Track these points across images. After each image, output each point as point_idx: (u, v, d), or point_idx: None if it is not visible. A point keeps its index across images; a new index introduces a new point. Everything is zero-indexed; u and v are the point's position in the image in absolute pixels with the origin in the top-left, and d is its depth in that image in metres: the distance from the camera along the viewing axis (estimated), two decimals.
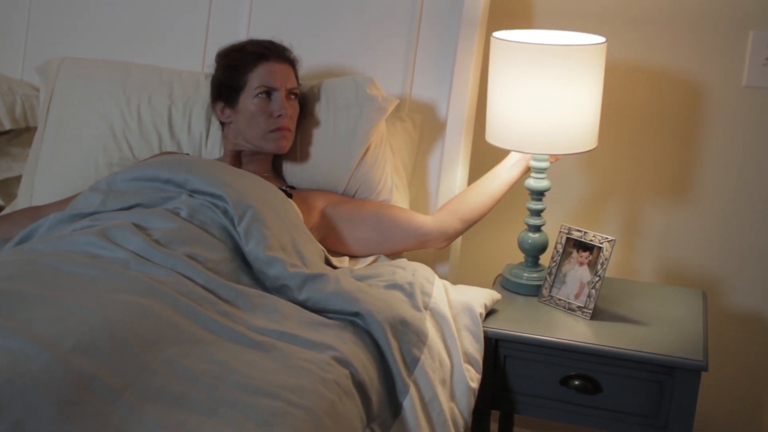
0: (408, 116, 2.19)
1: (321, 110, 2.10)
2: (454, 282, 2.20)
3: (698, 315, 2.00)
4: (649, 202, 2.28)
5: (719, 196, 2.24)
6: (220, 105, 2.05)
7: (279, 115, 1.98)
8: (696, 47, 2.19)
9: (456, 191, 2.14)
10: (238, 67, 2.01)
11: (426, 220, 2.04)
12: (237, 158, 2.06)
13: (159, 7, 2.42)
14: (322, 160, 2.09)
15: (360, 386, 1.52)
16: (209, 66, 2.13)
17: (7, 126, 2.32)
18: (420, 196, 2.19)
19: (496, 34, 1.97)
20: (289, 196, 1.99)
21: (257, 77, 1.99)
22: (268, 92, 1.99)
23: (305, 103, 2.11)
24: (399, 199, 2.12)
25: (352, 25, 2.24)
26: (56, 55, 2.47)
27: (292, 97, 2.02)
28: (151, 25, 2.42)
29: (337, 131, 2.08)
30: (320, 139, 2.09)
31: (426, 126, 2.20)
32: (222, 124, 2.09)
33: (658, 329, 1.91)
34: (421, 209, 2.17)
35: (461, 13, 2.14)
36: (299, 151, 2.11)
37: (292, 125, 2.02)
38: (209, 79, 2.12)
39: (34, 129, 2.34)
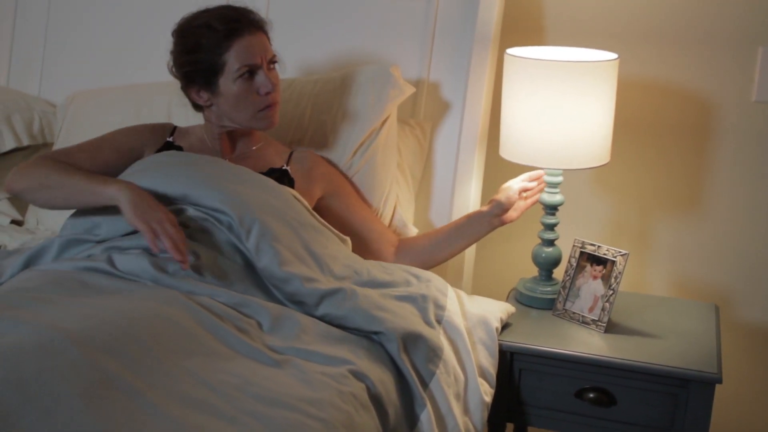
0: (418, 123, 2.21)
1: (339, 83, 2.11)
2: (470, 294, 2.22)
3: (711, 328, 2.01)
4: (662, 216, 2.30)
5: (731, 210, 2.25)
6: (194, 89, 1.91)
7: (267, 93, 1.87)
8: (706, 63, 2.21)
9: (470, 206, 2.16)
10: (209, 49, 1.85)
11: (390, 250, 2.04)
12: (229, 137, 1.97)
13: (170, 18, 2.44)
14: (333, 128, 2.08)
15: (376, 399, 1.53)
16: None
17: (25, 142, 2.35)
18: (434, 210, 2.21)
19: (509, 50, 1.99)
20: (291, 181, 1.95)
21: (235, 57, 1.84)
22: (251, 71, 1.86)
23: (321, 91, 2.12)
24: (401, 199, 2.14)
25: (365, 41, 2.27)
26: (72, 71, 2.51)
27: (272, 66, 1.90)
28: (164, 38, 2.44)
29: (351, 100, 2.08)
30: (333, 105, 2.08)
31: (439, 139, 2.22)
32: (196, 104, 1.96)
33: (671, 342, 1.92)
34: (438, 221, 2.19)
35: (474, 29, 2.16)
36: (309, 115, 2.11)
37: (279, 96, 1.92)
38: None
39: (51, 145, 2.37)
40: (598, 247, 1.99)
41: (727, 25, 2.17)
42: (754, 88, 2.20)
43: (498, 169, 2.22)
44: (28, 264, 1.75)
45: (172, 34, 1.92)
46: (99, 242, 1.76)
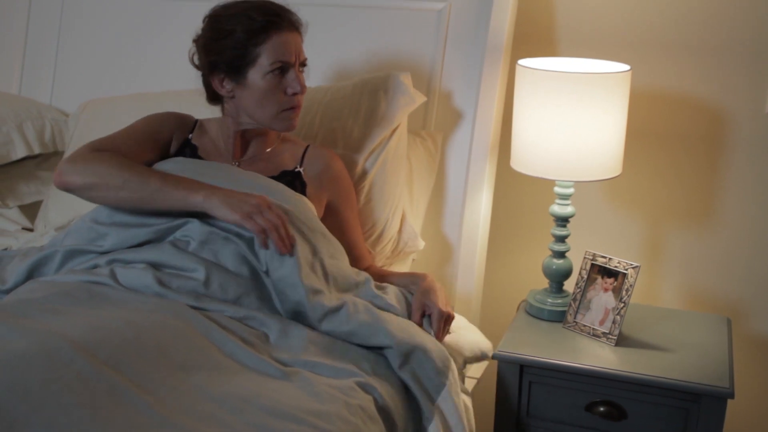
0: (429, 134, 2.21)
1: (349, 90, 2.10)
2: (479, 307, 2.21)
3: (723, 341, 1.99)
4: (674, 228, 2.29)
5: (743, 222, 2.24)
6: (219, 77, 1.85)
7: (294, 93, 1.83)
8: (719, 75, 2.19)
9: (481, 217, 2.15)
10: (243, 38, 1.79)
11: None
12: (242, 137, 1.92)
13: (182, 30, 2.45)
14: (342, 135, 2.06)
15: (384, 411, 1.52)
16: None
17: (37, 150, 2.35)
18: (445, 222, 2.20)
19: (521, 61, 1.99)
20: (303, 184, 1.91)
21: (270, 51, 1.79)
22: (283, 68, 1.82)
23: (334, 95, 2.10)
24: (411, 210, 2.13)
25: (376, 50, 2.27)
26: (83, 80, 2.52)
27: (302, 69, 1.87)
28: (175, 48, 2.45)
29: (362, 108, 2.07)
30: (344, 113, 2.07)
31: (450, 149, 2.22)
32: (216, 96, 1.91)
33: (683, 355, 1.91)
34: (449, 233, 2.18)
35: (486, 39, 2.16)
36: (318, 122, 2.10)
37: (302, 101, 1.88)
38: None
39: (62, 154, 2.37)
40: (609, 259, 1.98)
41: (739, 36, 2.16)
42: (767, 99, 2.18)
43: (509, 180, 2.22)
44: (31, 273, 1.74)
45: (204, 20, 1.87)
46: (103, 253, 1.74)
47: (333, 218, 1.94)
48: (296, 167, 1.92)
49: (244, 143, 1.93)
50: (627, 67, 1.96)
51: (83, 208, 2.11)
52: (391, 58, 2.27)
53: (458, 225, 2.17)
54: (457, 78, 2.23)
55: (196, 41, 1.89)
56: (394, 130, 2.08)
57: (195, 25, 2.41)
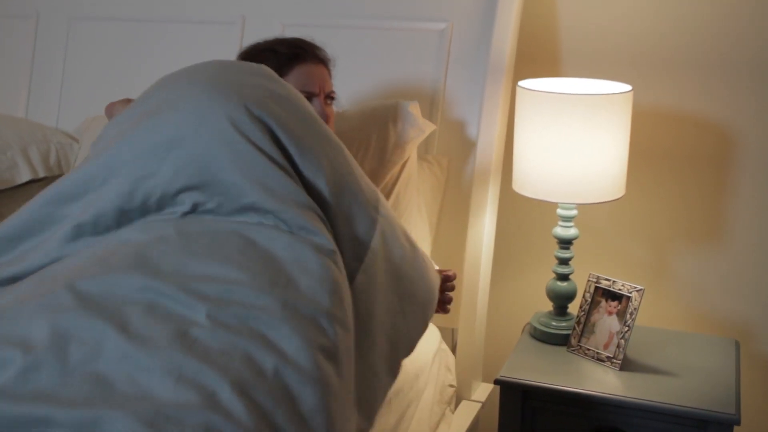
0: (435, 159, 2.19)
1: (357, 121, 2.08)
2: (483, 329, 2.19)
3: (730, 365, 1.96)
4: (680, 249, 2.26)
5: (751, 242, 2.21)
6: None
7: None
8: (726, 92, 2.17)
9: (484, 239, 2.13)
10: (275, 68, 1.80)
11: None
12: None
13: (187, 52, 2.46)
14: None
15: None
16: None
17: (41, 174, 2.35)
18: (449, 242, 2.19)
19: (521, 83, 1.97)
20: None
21: (294, 81, 1.84)
22: (307, 98, 1.83)
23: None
24: (419, 236, 2.10)
25: (378, 73, 2.26)
26: (90, 103, 2.52)
27: (329, 101, 1.91)
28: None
29: (371, 141, 2.03)
30: (353, 145, 2.00)
31: (453, 171, 2.20)
32: None
33: (689, 380, 1.88)
34: (452, 255, 2.16)
35: (488, 61, 2.14)
36: None
37: None
38: None
39: None
40: (614, 282, 1.95)
41: (745, 53, 2.14)
42: None
43: (513, 202, 2.20)
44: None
45: (237, 59, 1.93)
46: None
47: None
48: None
49: None
50: (629, 87, 1.94)
51: None
52: (393, 79, 2.26)
53: (461, 248, 2.15)
54: (459, 99, 2.21)
55: None
56: (404, 164, 2.06)
57: (198, 46, 2.44)
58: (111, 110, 1.90)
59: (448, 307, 1.77)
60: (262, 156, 1.44)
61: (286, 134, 1.49)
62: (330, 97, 1.91)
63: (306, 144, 1.50)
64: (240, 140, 1.45)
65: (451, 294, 1.78)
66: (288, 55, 1.86)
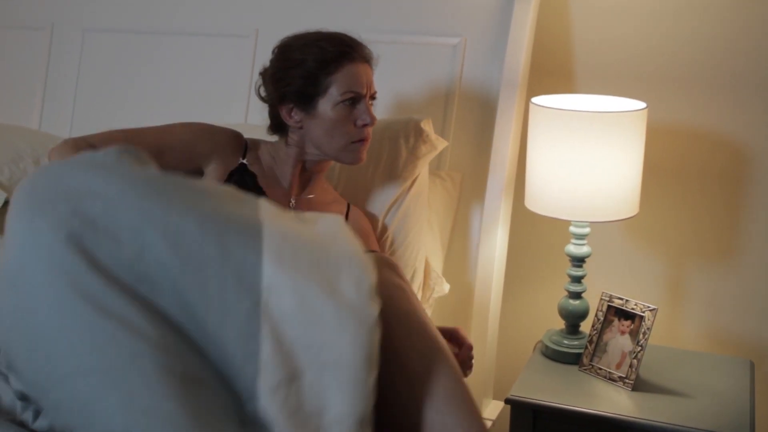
0: (448, 175, 2.18)
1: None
2: (495, 347, 2.17)
3: (745, 386, 1.94)
4: (694, 267, 2.23)
5: (766, 260, 2.18)
6: (287, 107, 1.81)
7: (364, 125, 1.80)
8: (740, 109, 2.15)
9: (496, 256, 2.11)
10: (315, 67, 1.77)
11: None
12: (302, 167, 1.88)
13: (202, 66, 2.46)
14: (363, 184, 2.02)
15: None
16: (255, 119, 2.09)
17: None
18: (461, 258, 2.17)
19: (534, 99, 1.96)
20: None
21: (342, 81, 1.77)
22: (354, 99, 1.79)
23: None
24: (431, 253, 2.09)
25: (390, 87, 2.25)
26: (103, 114, 2.53)
27: (371, 102, 1.84)
28: (194, 84, 2.46)
29: (382, 157, 2.02)
30: (365, 161, 1.97)
31: (465, 187, 2.19)
32: (280, 127, 1.87)
33: (702, 401, 1.86)
34: (464, 272, 2.15)
35: (501, 76, 2.13)
36: (339, 166, 2.05)
37: (371, 134, 1.84)
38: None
39: None
40: (626, 301, 1.93)
41: (759, 70, 2.11)
42: None
43: (526, 219, 2.18)
44: None
45: (273, 51, 1.84)
46: None
47: None
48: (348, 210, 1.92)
49: (304, 179, 1.90)
50: (643, 104, 1.92)
51: None
52: (406, 93, 2.25)
53: (474, 264, 2.14)
54: (472, 114, 2.20)
55: (263, 73, 1.86)
56: (414, 179, 2.04)
57: (212, 59, 2.44)
58: (51, 155, 1.80)
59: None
60: None
61: None
62: (373, 97, 1.84)
63: None
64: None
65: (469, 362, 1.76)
66: (335, 53, 1.77)
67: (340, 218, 1.40)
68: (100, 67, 2.58)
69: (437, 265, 2.11)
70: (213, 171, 1.85)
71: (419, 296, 2.03)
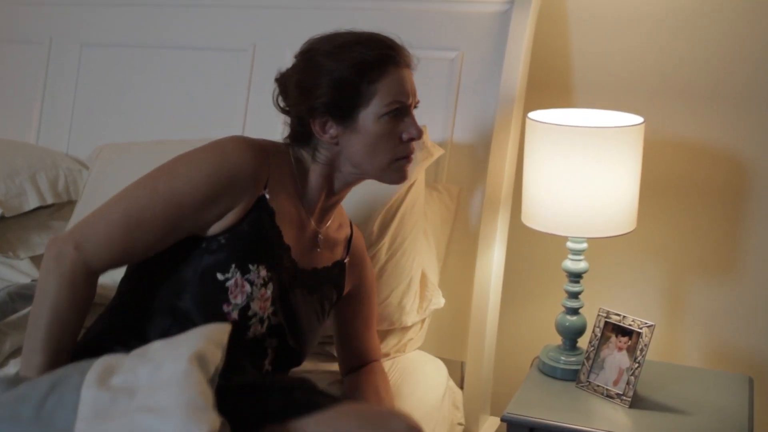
0: (445, 188, 2.17)
1: None
2: (492, 363, 2.16)
3: (744, 402, 1.92)
4: (693, 282, 2.22)
5: (765, 276, 2.17)
6: (320, 120, 1.55)
7: (410, 139, 1.57)
8: (738, 123, 2.14)
9: (493, 270, 2.10)
10: (356, 75, 1.52)
11: (347, 364, 1.85)
12: (330, 184, 1.63)
13: (198, 78, 2.46)
14: (356, 191, 1.88)
15: None
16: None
17: (49, 200, 2.36)
18: (458, 273, 2.16)
19: (531, 114, 1.95)
20: (343, 278, 1.75)
21: (386, 90, 1.53)
22: (399, 110, 1.56)
23: None
24: (427, 265, 2.07)
25: None
26: (101, 129, 2.53)
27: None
28: (192, 99, 2.46)
29: None
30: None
31: (462, 201, 2.18)
32: (304, 139, 1.60)
33: (700, 418, 1.84)
34: (461, 286, 2.14)
35: (498, 91, 2.12)
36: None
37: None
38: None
39: (74, 204, 2.37)
40: (624, 317, 1.92)
41: (758, 83, 2.11)
42: None
43: (523, 234, 2.16)
44: None
45: (297, 56, 1.60)
46: None
47: (349, 306, 1.82)
48: (344, 257, 1.75)
49: (325, 206, 1.66)
50: (640, 119, 1.91)
51: None
52: None
53: (470, 281, 2.12)
54: (469, 128, 2.19)
55: (282, 80, 1.62)
56: (410, 186, 2.01)
57: (209, 73, 2.44)
58: (46, 260, 1.50)
59: None
60: None
61: None
62: (415, 107, 1.63)
63: None
64: None
65: None
66: (377, 57, 1.53)
67: (191, 364, 1.19)
68: (97, 81, 2.58)
69: (433, 277, 2.10)
70: (227, 220, 1.53)
71: (416, 307, 2.01)
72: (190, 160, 1.51)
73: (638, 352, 1.87)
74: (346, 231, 1.78)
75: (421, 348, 2.09)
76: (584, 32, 2.21)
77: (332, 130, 1.56)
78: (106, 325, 1.55)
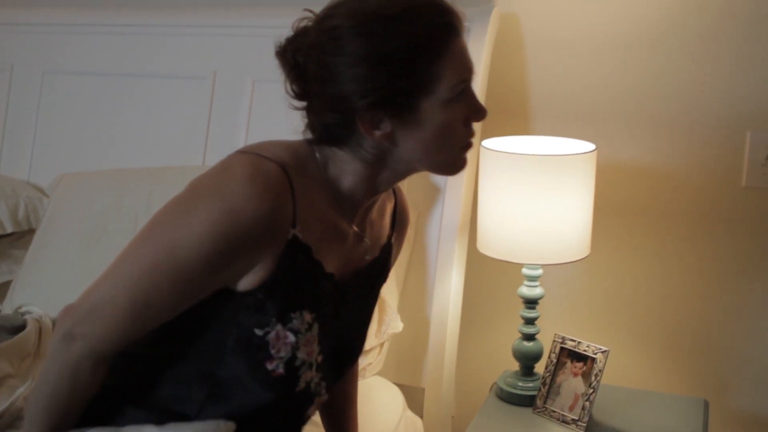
0: None
1: None
2: (452, 389, 2.17)
3: (698, 425, 1.94)
4: (647, 306, 2.24)
5: (721, 298, 2.19)
6: (370, 115, 1.23)
7: (478, 120, 1.30)
8: (694, 148, 2.17)
9: (450, 300, 2.11)
10: (415, 53, 1.20)
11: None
12: (374, 185, 1.34)
13: (159, 106, 2.46)
14: None
15: None
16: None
17: (9, 229, 2.35)
18: (416, 299, 2.17)
19: (485, 142, 1.97)
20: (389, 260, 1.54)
21: (453, 68, 1.22)
22: (463, 88, 1.25)
23: None
24: (385, 289, 2.06)
25: None
26: (63, 157, 2.52)
27: None
28: (153, 126, 2.46)
29: None
30: None
31: (420, 227, 2.19)
32: (338, 139, 1.29)
33: None
34: (419, 312, 2.14)
35: None
36: None
37: None
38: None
39: (33, 232, 2.36)
40: (579, 343, 1.94)
41: (713, 109, 2.14)
42: (744, 172, 2.15)
43: (479, 260, 2.18)
44: None
45: (317, 30, 1.27)
46: None
47: None
48: (391, 234, 1.49)
49: (364, 213, 1.39)
50: (592, 146, 1.94)
51: (50, 290, 2.11)
52: None
53: (429, 306, 2.14)
54: None
55: (293, 61, 1.31)
56: None
57: (170, 100, 2.44)
58: (56, 335, 1.30)
59: None
60: None
61: None
62: None
63: None
64: None
65: None
66: (441, 25, 1.21)
67: None
68: (59, 109, 2.58)
69: (392, 301, 2.11)
70: (258, 274, 1.26)
71: (373, 331, 1.99)
72: (191, 220, 1.20)
73: (593, 378, 1.89)
74: (391, 204, 1.50)
75: (380, 373, 2.10)
76: (539, 59, 2.24)
77: (384, 124, 1.24)
78: (120, 379, 1.34)
